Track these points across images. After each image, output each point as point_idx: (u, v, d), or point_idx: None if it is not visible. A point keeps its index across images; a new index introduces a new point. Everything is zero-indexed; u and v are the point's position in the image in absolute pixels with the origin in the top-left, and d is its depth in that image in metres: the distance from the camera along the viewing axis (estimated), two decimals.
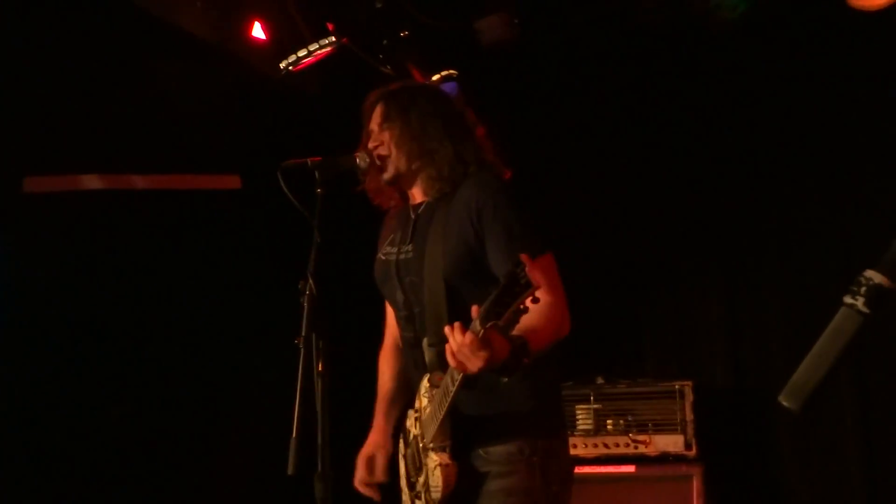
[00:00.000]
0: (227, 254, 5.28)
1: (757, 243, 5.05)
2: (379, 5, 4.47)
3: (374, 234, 3.11)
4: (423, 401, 2.80)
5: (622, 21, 4.74)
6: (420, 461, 2.81)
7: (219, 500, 5.17)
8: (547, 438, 2.75)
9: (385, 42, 4.62)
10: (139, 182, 5.37)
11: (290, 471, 2.41)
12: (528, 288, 2.22)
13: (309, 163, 2.72)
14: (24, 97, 4.80)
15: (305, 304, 2.54)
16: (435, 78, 4.62)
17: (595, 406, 4.68)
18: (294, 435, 2.44)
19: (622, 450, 4.59)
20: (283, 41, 4.44)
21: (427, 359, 2.77)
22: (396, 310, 2.95)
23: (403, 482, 2.94)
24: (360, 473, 3.04)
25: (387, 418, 3.08)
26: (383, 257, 2.97)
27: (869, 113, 4.74)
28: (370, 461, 3.04)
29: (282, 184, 2.67)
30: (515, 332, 2.43)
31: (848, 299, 1.59)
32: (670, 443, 4.54)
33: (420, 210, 2.92)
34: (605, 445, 4.61)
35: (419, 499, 2.82)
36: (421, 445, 2.80)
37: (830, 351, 1.58)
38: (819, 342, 1.59)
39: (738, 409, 4.93)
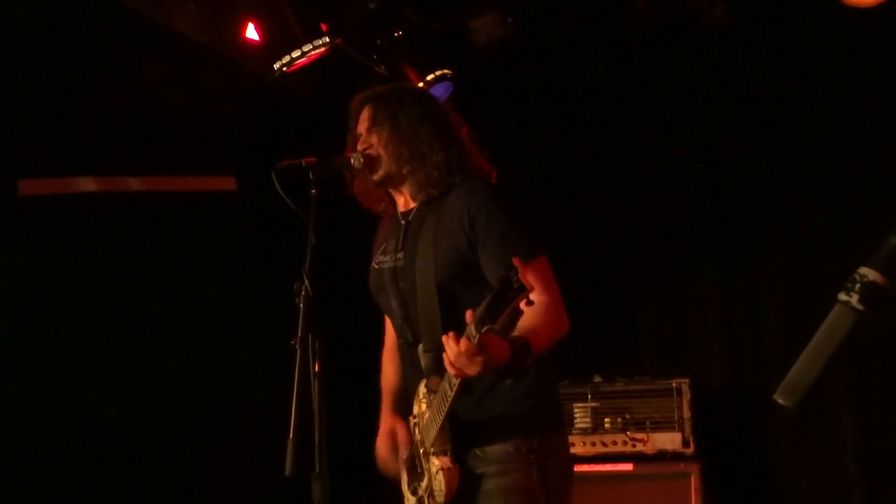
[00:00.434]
0: (223, 255, 5.28)
1: (753, 241, 5.05)
2: (372, 5, 4.46)
3: (369, 235, 3.12)
4: (421, 406, 2.81)
5: (616, 20, 4.74)
6: (421, 466, 2.81)
7: (216, 501, 5.16)
8: (544, 436, 2.75)
9: (379, 42, 4.62)
10: (134, 184, 5.37)
11: (287, 471, 2.42)
12: (522, 291, 2.23)
13: (303, 164, 2.72)
14: (19, 100, 4.80)
15: (301, 305, 2.54)
16: (429, 78, 4.61)
17: (592, 404, 4.68)
18: (291, 435, 2.44)
19: (620, 448, 4.59)
20: (277, 42, 4.43)
21: (423, 364, 2.79)
22: (392, 317, 2.96)
23: (405, 488, 2.94)
24: (385, 450, 2.99)
25: (394, 407, 3.06)
26: (376, 266, 2.98)
27: (863, 111, 4.75)
28: (391, 438, 3.00)
29: (276, 185, 2.67)
30: (515, 333, 2.45)
31: (842, 296, 1.59)
32: (668, 441, 4.54)
33: (410, 217, 2.92)
34: (603, 444, 4.61)
35: (420, 501, 2.83)
36: (422, 450, 2.80)
37: (825, 349, 1.58)
38: (813, 340, 1.59)
39: (735, 407, 4.93)
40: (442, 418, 2.64)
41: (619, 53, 5.10)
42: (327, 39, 4.37)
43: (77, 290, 5.14)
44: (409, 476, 2.89)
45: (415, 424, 2.86)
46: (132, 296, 5.21)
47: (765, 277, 5.00)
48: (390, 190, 2.98)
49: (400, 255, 2.89)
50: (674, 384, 4.61)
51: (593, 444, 4.62)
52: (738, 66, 5.01)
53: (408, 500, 2.91)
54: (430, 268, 2.77)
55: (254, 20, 4.49)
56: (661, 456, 4.55)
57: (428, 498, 2.77)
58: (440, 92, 4.64)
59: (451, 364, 2.44)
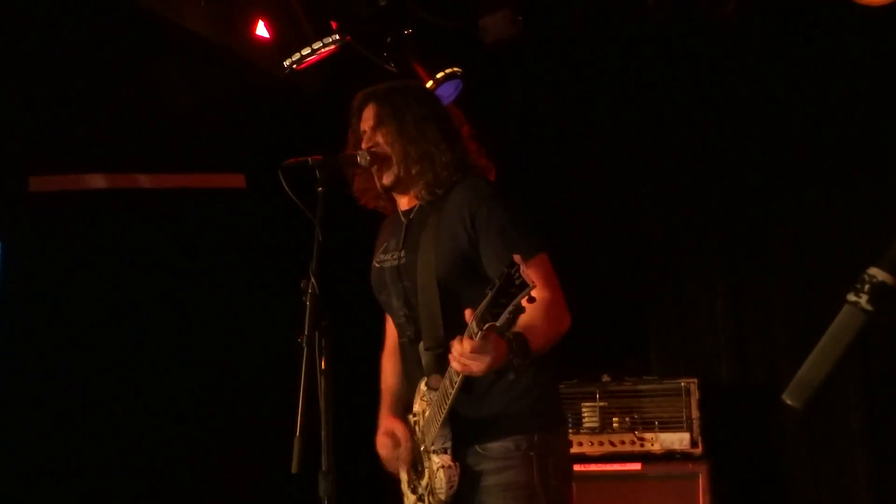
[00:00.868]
0: (231, 252, 5.29)
1: (762, 240, 5.03)
2: (382, 3, 4.46)
3: (375, 233, 3.12)
4: (422, 404, 2.81)
5: (626, 18, 4.73)
6: (422, 464, 2.81)
7: (223, 498, 5.17)
8: (543, 433, 2.76)
9: (389, 40, 4.61)
10: (144, 181, 5.38)
11: (293, 469, 2.42)
12: (525, 287, 2.23)
13: (310, 161, 2.71)
14: (29, 97, 4.82)
15: (308, 303, 2.54)
16: (439, 76, 4.61)
17: (601, 404, 4.68)
18: (297, 433, 2.44)
19: (628, 447, 4.58)
20: (287, 40, 4.42)
21: (424, 362, 2.79)
22: (393, 316, 2.97)
23: (405, 486, 2.94)
24: (385, 449, 2.96)
25: (393, 408, 3.05)
26: (378, 265, 2.99)
27: (873, 110, 4.72)
28: (390, 438, 2.97)
29: (283, 182, 2.66)
30: (515, 329, 2.45)
31: (851, 297, 1.58)
32: (676, 440, 4.53)
33: (412, 216, 2.93)
34: (611, 443, 4.60)
35: (422, 502, 2.83)
36: (422, 448, 2.81)
37: (833, 349, 1.58)
38: (822, 340, 1.59)
39: (743, 407, 4.92)
40: (443, 416, 2.65)
41: (628, 52, 5.09)
42: (337, 37, 4.36)
43: (86, 287, 5.16)
44: (409, 475, 2.90)
45: (415, 422, 2.86)
46: (140, 292, 5.22)
47: (773, 278, 4.99)
48: (394, 191, 2.97)
49: (402, 253, 2.89)
50: (682, 384, 4.60)
51: (601, 443, 4.61)
52: (748, 65, 4.99)
53: (407, 498, 2.91)
54: (432, 265, 2.78)
55: (264, 18, 4.48)
56: (670, 456, 4.54)
57: (429, 496, 2.77)
58: (449, 90, 4.64)
59: (456, 361, 2.46)
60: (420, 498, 2.83)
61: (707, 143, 5.12)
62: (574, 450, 4.55)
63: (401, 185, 2.93)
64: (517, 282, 2.23)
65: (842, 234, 4.80)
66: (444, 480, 2.70)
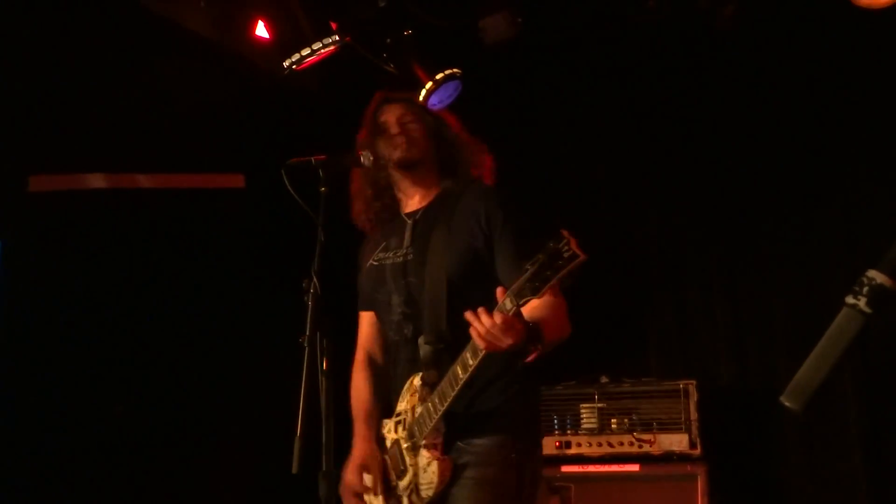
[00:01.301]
0: (232, 252, 5.29)
1: (761, 242, 5.04)
2: (382, 4, 4.46)
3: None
4: (411, 401, 2.81)
5: (626, 19, 4.74)
6: (405, 463, 2.81)
7: (223, 499, 5.17)
8: (526, 440, 2.82)
9: (388, 41, 4.61)
10: (143, 181, 5.38)
11: (294, 469, 2.42)
12: (574, 259, 2.24)
13: (313, 161, 2.72)
14: (29, 96, 4.81)
15: (310, 303, 2.54)
16: (438, 77, 4.61)
17: (599, 405, 4.68)
18: (298, 434, 2.44)
19: (626, 449, 4.58)
20: (287, 40, 4.43)
21: (421, 355, 2.81)
22: (388, 314, 2.97)
23: (372, 498, 2.93)
24: (352, 484, 2.93)
25: (369, 429, 3.02)
26: (376, 263, 3.02)
27: (873, 112, 4.73)
28: (362, 470, 2.95)
29: (286, 182, 2.67)
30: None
31: (850, 299, 1.58)
32: (675, 442, 4.54)
33: (418, 216, 2.99)
34: (610, 444, 4.61)
35: (398, 503, 2.84)
36: (406, 446, 2.81)
37: (832, 351, 1.58)
38: (821, 343, 1.59)
39: (742, 408, 4.92)
40: (446, 405, 2.67)
41: (628, 53, 5.09)
42: (336, 38, 4.36)
43: (85, 286, 5.16)
44: (386, 476, 2.89)
45: (397, 422, 2.86)
46: (140, 292, 5.22)
47: (772, 279, 4.99)
48: (404, 187, 3.03)
49: (408, 250, 2.93)
50: (681, 385, 4.60)
51: (600, 444, 4.61)
52: (748, 66, 4.99)
53: (376, 500, 2.90)
54: (444, 263, 2.82)
55: (263, 18, 4.49)
56: (668, 457, 4.54)
57: (409, 495, 2.78)
58: (449, 91, 4.64)
59: (481, 336, 2.44)
60: (397, 499, 2.84)
61: (707, 145, 5.12)
62: (573, 451, 4.59)
63: (417, 174, 3.01)
64: (566, 254, 2.25)
65: (841, 236, 4.80)
66: (435, 474, 2.72)
